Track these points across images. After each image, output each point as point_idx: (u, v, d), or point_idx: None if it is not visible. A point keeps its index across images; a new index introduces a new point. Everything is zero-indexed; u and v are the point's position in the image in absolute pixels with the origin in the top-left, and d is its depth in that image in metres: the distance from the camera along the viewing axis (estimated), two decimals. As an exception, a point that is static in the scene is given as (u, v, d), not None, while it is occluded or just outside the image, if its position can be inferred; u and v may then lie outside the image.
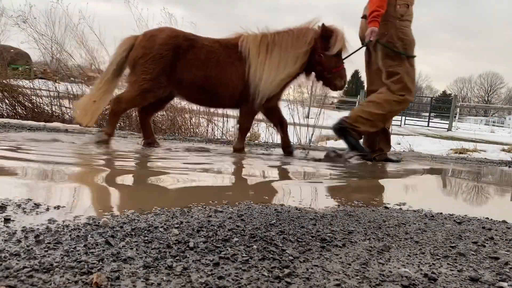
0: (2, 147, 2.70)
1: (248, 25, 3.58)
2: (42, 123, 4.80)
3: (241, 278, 0.89)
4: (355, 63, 4.04)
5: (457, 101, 20.48)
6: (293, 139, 5.46)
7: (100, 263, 0.90)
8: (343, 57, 3.38)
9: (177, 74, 3.20)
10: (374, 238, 1.28)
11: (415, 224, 1.50)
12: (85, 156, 2.78)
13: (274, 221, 1.36)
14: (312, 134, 6.01)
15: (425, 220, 1.57)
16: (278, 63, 3.21)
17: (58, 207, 1.34)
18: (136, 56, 3.18)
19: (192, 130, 5.57)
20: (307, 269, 0.97)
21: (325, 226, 1.37)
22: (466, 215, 1.73)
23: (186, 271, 0.90)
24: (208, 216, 1.37)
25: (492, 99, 57.23)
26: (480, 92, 58.69)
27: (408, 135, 9.57)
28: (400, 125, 18.55)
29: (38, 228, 1.10)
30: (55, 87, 5.77)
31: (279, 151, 3.77)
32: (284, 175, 2.75)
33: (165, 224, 1.23)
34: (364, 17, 3.51)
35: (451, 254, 1.18)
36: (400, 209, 1.78)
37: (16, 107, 5.56)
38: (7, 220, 1.16)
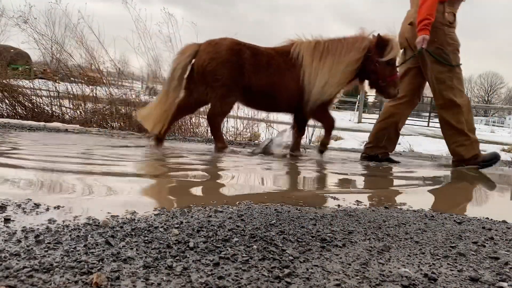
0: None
1: (301, 33, 3.75)
2: (42, 123, 4.81)
3: (241, 278, 0.89)
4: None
5: (457, 101, 20.38)
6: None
7: (100, 263, 0.90)
8: (396, 66, 3.47)
9: (243, 79, 3.32)
10: (374, 238, 1.28)
11: (415, 224, 1.50)
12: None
13: (274, 221, 1.36)
14: (312, 134, 6.01)
15: (425, 220, 1.57)
16: (331, 69, 3.31)
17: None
18: (204, 63, 3.27)
19: (192, 130, 5.56)
20: (307, 269, 0.97)
21: (325, 226, 1.37)
22: (466, 215, 1.73)
23: (186, 271, 0.90)
24: (208, 216, 1.37)
25: (492, 99, 57.25)
26: (480, 92, 58.71)
27: (408, 135, 9.56)
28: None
29: (38, 228, 1.10)
30: (55, 87, 5.77)
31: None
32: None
33: (165, 224, 1.23)
34: (410, 24, 3.54)
35: (451, 254, 1.18)
36: (400, 209, 1.78)
37: (16, 107, 5.56)
38: (7, 220, 1.16)
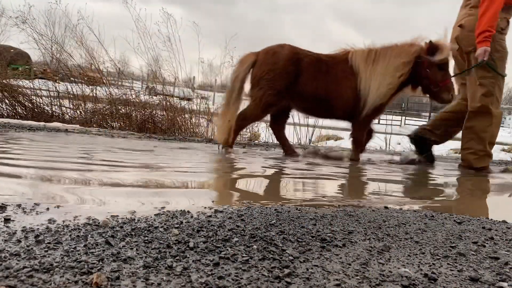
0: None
1: (344, 41, 3.82)
2: (42, 123, 4.80)
3: (241, 278, 0.89)
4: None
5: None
6: (292, 139, 5.46)
7: (100, 263, 0.90)
8: (452, 74, 3.52)
9: (299, 87, 3.41)
10: (374, 238, 1.28)
11: (415, 224, 1.50)
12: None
13: (274, 221, 1.36)
14: (312, 134, 6.02)
15: (425, 220, 1.57)
16: (382, 72, 3.40)
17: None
18: (262, 73, 3.37)
19: (192, 130, 5.56)
20: (307, 269, 0.97)
21: (325, 226, 1.37)
22: (466, 215, 1.73)
23: (186, 271, 0.90)
24: (208, 216, 1.37)
25: (492, 99, 57.03)
26: (480, 92, 58.46)
27: (408, 135, 9.55)
28: (400, 125, 18.54)
29: (38, 228, 1.10)
30: (55, 87, 5.76)
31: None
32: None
33: (165, 224, 1.23)
34: (460, 26, 3.52)
35: (451, 254, 1.18)
36: (400, 209, 1.78)
37: (16, 107, 5.56)
38: (7, 220, 1.16)
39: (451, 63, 3.58)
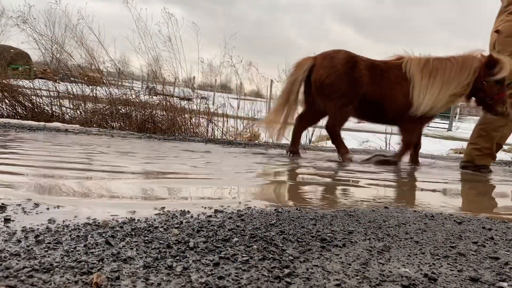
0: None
1: (404, 48, 3.79)
2: (42, 123, 4.80)
3: (241, 278, 0.89)
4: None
5: (457, 101, 20.42)
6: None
7: (100, 263, 0.90)
8: (506, 84, 3.51)
9: (359, 90, 3.47)
10: (374, 238, 1.28)
11: (415, 224, 1.50)
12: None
13: (274, 221, 1.36)
14: (312, 134, 6.02)
15: (425, 220, 1.57)
16: (440, 89, 3.42)
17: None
18: (321, 77, 3.44)
19: (192, 130, 5.56)
20: (307, 269, 0.97)
21: (325, 226, 1.37)
22: (466, 215, 1.73)
23: (186, 271, 0.90)
24: (208, 216, 1.37)
25: (492, 99, 57.00)
26: (480, 92, 58.43)
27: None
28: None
29: (38, 228, 1.10)
30: (55, 87, 5.77)
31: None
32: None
33: (165, 224, 1.23)
34: (497, 31, 3.55)
35: (451, 254, 1.18)
36: (400, 209, 1.78)
37: (16, 107, 5.56)
38: (7, 220, 1.16)
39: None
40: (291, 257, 1.04)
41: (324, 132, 6.41)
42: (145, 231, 1.15)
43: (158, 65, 5.91)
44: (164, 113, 5.44)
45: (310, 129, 5.84)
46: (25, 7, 5.73)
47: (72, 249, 0.96)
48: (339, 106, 3.49)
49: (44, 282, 0.79)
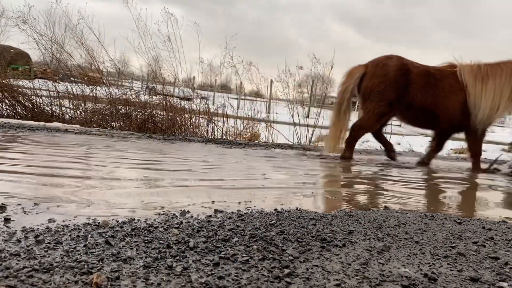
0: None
1: (455, 56, 3.82)
2: (42, 123, 4.80)
3: (241, 278, 0.89)
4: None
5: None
6: (293, 139, 5.47)
7: (100, 263, 0.90)
8: None
9: (408, 98, 3.53)
10: (374, 238, 1.28)
11: (415, 224, 1.50)
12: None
13: (274, 221, 1.36)
14: (312, 134, 6.01)
15: (425, 220, 1.57)
16: (494, 96, 3.48)
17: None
18: (373, 85, 3.50)
19: (192, 130, 5.56)
20: (307, 269, 0.97)
21: (325, 226, 1.37)
22: (466, 215, 1.73)
23: (186, 271, 0.90)
24: (208, 216, 1.37)
25: (492, 99, 57.04)
26: (480, 92, 58.47)
27: (408, 135, 9.55)
28: (400, 125, 18.48)
29: (38, 228, 1.10)
30: (55, 87, 5.76)
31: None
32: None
33: (165, 224, 1.23)
34: None
35: (451, 254, 1.18)
36: (400, 209, 1.78)
37: (16, 107, 5.55)
38: (7, 220, 1.16)
39: None
40: (291, 257, 1.04)
41: (324, 132, 6.40)
42: (145, 231, 1.15)
43: (158, 65, 5.91)
44: (164, 113, 5.43)
45: (310, 129, 5.84)
46: (25, 7, 5.73)
47: (72, 249, 0.96)
48: (377, 112, 3.53)
49: (44, 282, 0.79)
